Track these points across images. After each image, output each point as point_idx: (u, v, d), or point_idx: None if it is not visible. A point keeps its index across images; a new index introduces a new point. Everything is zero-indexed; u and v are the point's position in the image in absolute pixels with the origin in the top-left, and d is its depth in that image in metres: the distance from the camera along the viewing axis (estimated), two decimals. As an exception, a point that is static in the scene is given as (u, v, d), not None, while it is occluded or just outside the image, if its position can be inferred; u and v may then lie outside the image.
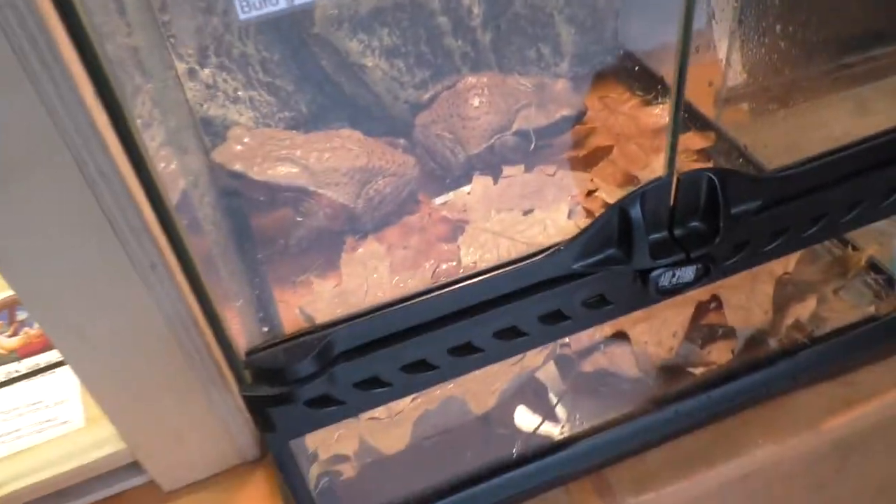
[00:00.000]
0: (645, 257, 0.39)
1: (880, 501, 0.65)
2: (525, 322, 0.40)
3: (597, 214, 0.66)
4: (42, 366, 0.56)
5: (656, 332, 0.53)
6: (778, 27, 0.68)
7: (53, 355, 0.57)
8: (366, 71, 0.72)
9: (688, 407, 0.52)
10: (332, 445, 0.49)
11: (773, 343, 0.54)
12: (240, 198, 0.67)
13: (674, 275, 0.40)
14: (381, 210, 0.68)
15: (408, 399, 0.48)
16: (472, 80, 0.73)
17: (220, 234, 0.66)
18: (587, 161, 0.73)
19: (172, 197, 0.61)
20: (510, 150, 0.72)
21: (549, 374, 0.53)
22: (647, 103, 0.80)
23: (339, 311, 0.61)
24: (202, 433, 0.51)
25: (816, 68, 0.72)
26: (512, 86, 0.74)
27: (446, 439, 0.50)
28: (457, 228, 0.67)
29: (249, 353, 0.36)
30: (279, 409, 0.37)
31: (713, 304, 0.56)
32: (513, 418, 0.52)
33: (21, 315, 0.59)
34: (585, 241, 0.39)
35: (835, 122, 0.72)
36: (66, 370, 0.56)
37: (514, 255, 0.63)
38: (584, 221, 0.65)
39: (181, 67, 0.67)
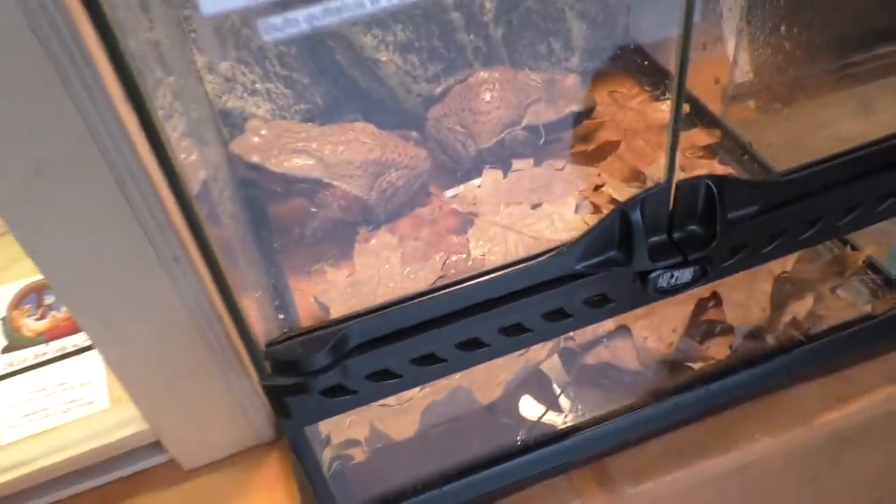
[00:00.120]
0: (644, 259, 0.41)
1: (873, 494, 0.67)
2: (529, 319, 0.42)
3: (603, 209, 0.68)
4: (69, 348, 0.58)
5: (657, 327, 0.55)
6: (783, 27, 0.69)
7: (79, 338, 0.59)
8: (380, 65, 0.74)
9: (686, 400, 0.54)
10: (344, 430, 0.51)
11: (770, 340, 0.56)
12: (257, 188, 0.70)
13: (672, 276, 0.42)
14: (394, 202, 0.70)
15: (417, 389, 0.51)
16: (483, 74, 0.75)
17: (239, 224, 0.68)
18: (595, 156, 0.75)
19: (193, 187, 0.63)
20: (520, 145, 0.74)
21: (553, 366, 0.55)
22: (655, 98, 0.81)
23: (352, 301, 0.64)
24: (221, 416, 0.54)
25: (821, 67, 0.74)
26: (522, 81, 0.76)
27: (453, 427, 0.52)
28: (467, 221, 0.69)
29: (269, 345, 0.38)
30: (296, 397, 0.39)
31: (713, 301, 0.57)
32: (518, 408, 0.54)
33: (48, 299, 0.61)
34: (588, 243, 0.41)
35: (839, 120, 0.73)
36: (91, 353, 0.58)
37: (521, 249, 0.66)
38: (590, 216, 0.67)
39: (201, 61, 0.69)
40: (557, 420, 0.54)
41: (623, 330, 0.56)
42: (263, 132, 0.69)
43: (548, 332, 0.43)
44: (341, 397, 0.40)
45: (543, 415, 0.54)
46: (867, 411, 0.57)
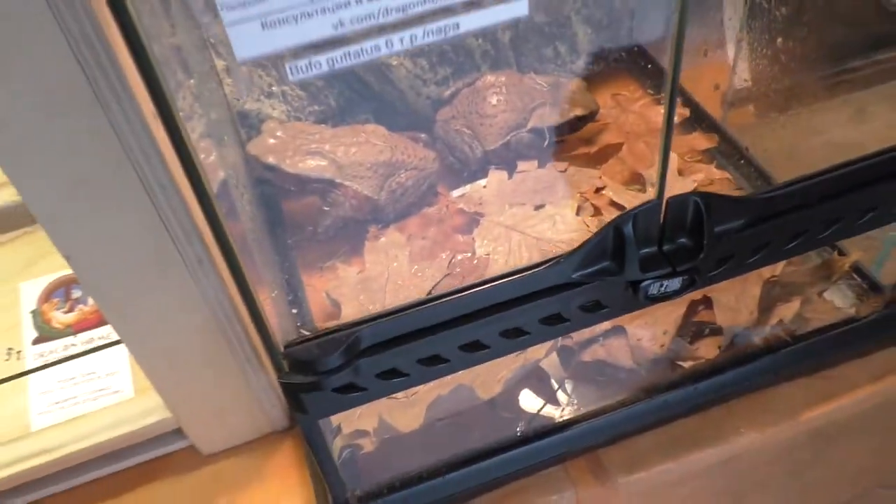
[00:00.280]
0: (635, 270, 0.44)
1: (855, 487, 0.70)
2: (528, 323, 0.45)
3: (603, 211, 0.71)
4: (95, 339, 0.62)
5: (650, 328, 0.58)
6: (781, 37, 0.72)
7: (105, 330, 0.63)
8: (391, 69, 0.77)
9: (677, 396, 0.58)
10: (354, 422, 0.54)
11: (757, 340, 0.59)
12: (272, 187, 0.73)
13: (662, 285, 0.45)
14: (403, 202, 0.73)
15: (422, 385, 0.54)
16: (490, 78, 0.78)
17: (255, 221, 0.72)
18: (597, 158, 0.78)
19: (212, 186, 0.67)
20: (525, 147, 0.77)
21: (551, 363, 0.58)
22: (657, 102, 0.84)
23: (362, 297, 0.67)
24: (238, 406, 0.57)
25: (818, 74, 0.76)
26: (528, 85, 0.78)
27: (456, 420, 0.55)
28: (472, 221, 0.72)
29: (287, 346, 0.41)
30: (311, 394, 0.42)
31: (704, 304, 0.60)
32: (517, 402, 0.57)
33: (76, 293, 0.65)
34: (583, 254, 0.44)
35: (834, 127, 0.76)
36: (117, 346, 0.62)
37: (524, 249, 0.69)
38: (590, 218, 0.70)
39: (220, 64, 0.72)
40: (555, 413, 0.58)
41: (619, 329, 0.59)
42: (279, 134, 0.72)
43: (545, 334, 0.46)
44: (353, 394, 0.43)
45: (542, 408, 0.58)
46: (850, 408, 0.60)
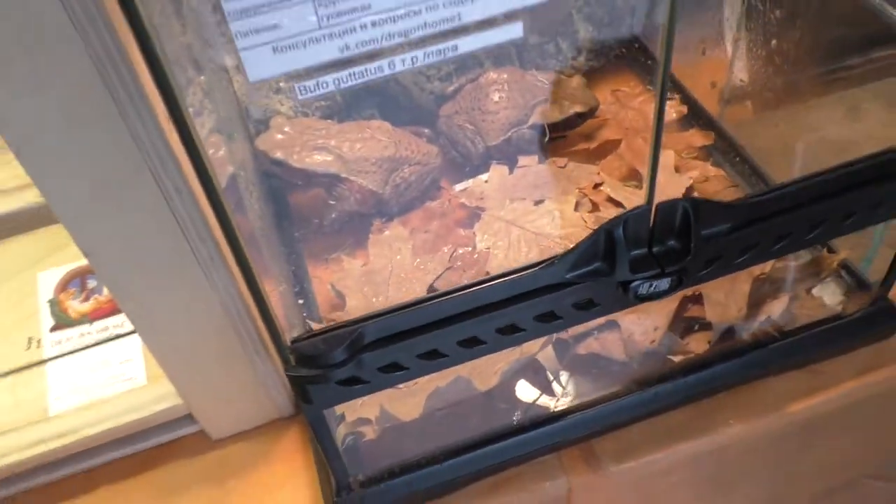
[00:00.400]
0: (625, 271, 0.46)
1: (840, 477, 0.73)
2: (523, 320, 0.47)
3: (601, 207, 0.74)
4: (110, 328, 0.65)
5: (643, 322, 0.61)
6: (777, 36, 0.73)
7: (119, 319, 0.65)
8: (396, 65, 0.79)
9: (667, 389, 0.60)
10: (357, 410, 0.57)
11: (746, 336, 0.61)
12: (280, 181, 0.75)
13: (651, 284, 0.48)
14: (406, 196, 0.75)
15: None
16: (493, 75, 0.80)
17: (263, 214, 0.74)
18: (597, 154, 0.79)
19: (222, 181, 0.69)
20: (526, 143, 0.79)
21: (547, 355, 0.61)
22: (657, 99, 0.85)
23: (366, 289, 0.70)
24: (246, 393, 0.60)
25: (813, 72, 0.77)
26: (530, 81, 0.80)
27: (455, 410, 0.58)
28: (474, 215, 0.75)
29: (294, 341, 0.44)
30: (316, 386, 0.45)
31: (695, 300, 0.63)
32: (513, 393, 0.60)
33: (91, 283, 0.67)
34: (576, 256, 0.46)
35: (828, 125, 0.77)
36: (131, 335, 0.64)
37: (523, 243, 0.71)
38: (588, 214, 0.72)
39: (230, 62, 0.74)
40: (549, 404, 0.60)
41: (612, 324, 0.62)
42: (287, 129, 0.74)
43: (539, 331, 0.48)
44: (356, 386, 0.46)
45: (537, 399, 0.60)
46: (835, 402, 0.63)
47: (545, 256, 0.68)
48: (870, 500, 0.81)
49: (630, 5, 0.87)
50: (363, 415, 0.56)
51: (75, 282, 0.67)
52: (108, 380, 0.62)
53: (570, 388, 0.61)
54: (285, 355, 0.44)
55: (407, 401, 0.55)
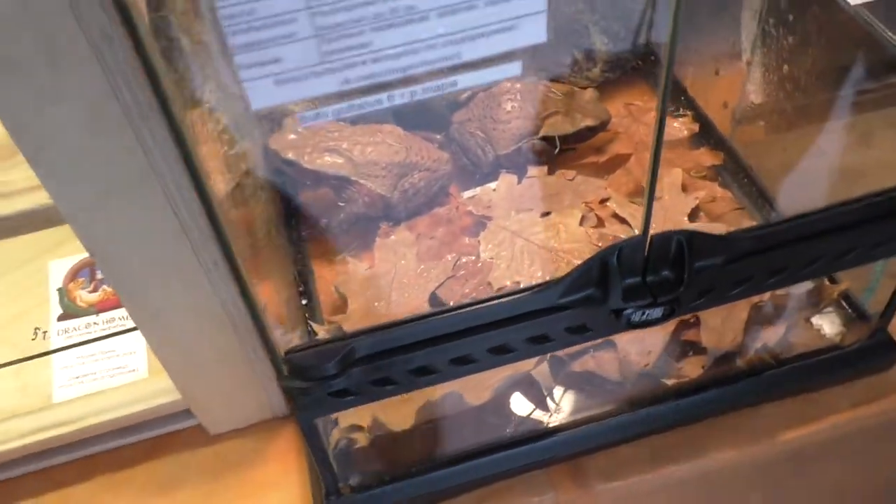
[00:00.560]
0: (618, 299, 0.47)
1: (831, 504, 0.73)
2: (515, 341, 0.48)
3: (606, 223, 0.74)
4: (116, 319, 0.66)
5: (639, 344, 0.61)
6: (789, 61, 0.73)
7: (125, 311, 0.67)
8: (411, 70, 0.79)
9: (659, 411, 0.61)
10: (350, 416, 0.58)
11: (741, 362, 0.62)
12: (290, 181, 0.76)
13: (644, 313, 0.48)
14: (414, 201, 0.76)
15: (415, 389, 0.57)
16: (506, 85, 0.80)
17: (273, 211, 0.75)
18: (606, 167, 0.80)
19: (234, 179, 0.70)
20: (536, 153, 0.79)
21: (542, 371, 0.61)
22: (669, 115, 0.85)
23: (369, 293, 0.70)
24: (244, 392, 0.61)
25: (827, 96, 0.77)
26: (543, 93, 0.80)
27: (446, 422, 0.59)
28: (480, 223, 0.75)
29: (288, 352, 0.45)
30: (307, 397, 0.46)
31: (692, 324, 0.63)
32: (506, 407, 0.61)
33: (100, 274, 0.68)
34: (570, 281, 0.47)
35: (839, 150, 0.77)
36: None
37: (526, 256, 0.72)
38: (592, 230, 0.73)
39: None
40: (542, 420, 0.61)
41: (609, 343, 0.62)
42: (299, 130, 0.75)
43: (531, 352, 0.49)
44: (346, 398, 0.47)
45: (529, 414, 0.61)
46: (829, 432, 0.63)
47: (546, 270, 0.70)
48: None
49: (648, 18, 0.87)
50: (356, 421, 0.57)
51: (84, 271, 0.68)
52: (111, 370, 0.63)
53: (563, 404, 0.62)
54: (279, 365, 0.45)
55: (399, 411, 0.56)
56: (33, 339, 0.63)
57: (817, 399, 0.63)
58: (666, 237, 0.46)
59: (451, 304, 0.69)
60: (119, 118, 0.40)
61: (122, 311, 0.67)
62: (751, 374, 0.62)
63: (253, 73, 0.31)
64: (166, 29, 0.40)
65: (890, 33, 0.62)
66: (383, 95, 0.35)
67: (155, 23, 0.37)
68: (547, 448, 0.60)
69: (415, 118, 0.82)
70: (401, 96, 0.35)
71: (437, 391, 0.57)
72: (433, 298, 0.69)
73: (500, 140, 0.79)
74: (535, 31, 0.34)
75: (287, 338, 0.67)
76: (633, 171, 0.79)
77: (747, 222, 0.73)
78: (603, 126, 0.80)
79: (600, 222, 0.74)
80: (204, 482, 0.62)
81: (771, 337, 0.62)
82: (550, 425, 0.61)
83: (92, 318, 0.66)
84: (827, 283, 0.66)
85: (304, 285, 0.73)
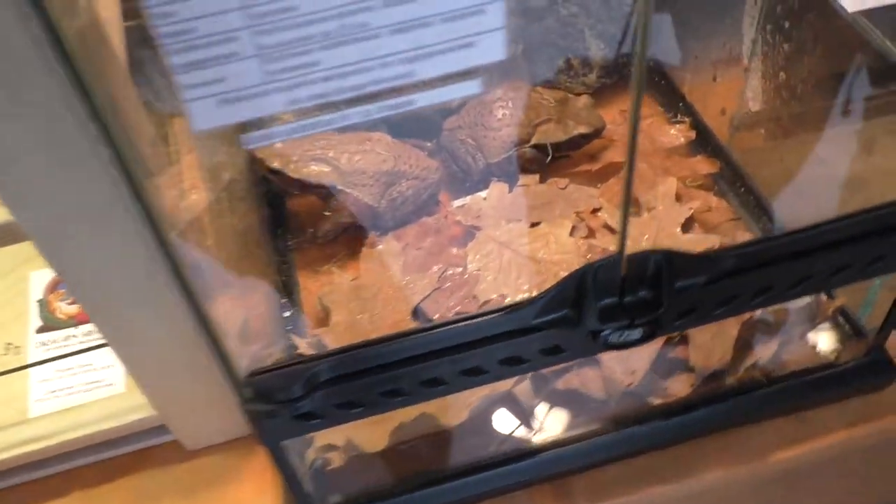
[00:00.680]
0: (594, 320, 0.45)
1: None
2: (488, 363, 0.46)
3: (597, 234, 0.72)
4: (94, 332, 0.65)
5: (624, 361, 0.59)
6: (787, 68, 0.71)
7: (103, 324, 0.66)
8: (400, 76, 0.78)
9: (646, 431, 0.59)
10: (325, 435, 0.56)
11: (731, 380, 0.60)
12: (276, 190, 0.75)
13: (621, 334, 0.46)
14: (402, 210, 0.75)
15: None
16: (498, 91, 0.78)
17: (257, 220, 0.74)
18: (599, 176, 0.78)
19: (219, 185, 0.69)
20: (528, 162, 0.77)
21: (524, 389, 0.60)
22: (667, 121, 0.83)
23: (353, 305, 0.69)
24: (219, 409, 0.60)
25: (826, 103, 0.75)
26: (535, 100, 0.79)
27: (422, 442, 0.57)
28: (469, 234, 0.74)
29: (250, 375, 0.43)
30: (271, 420, 0.44)
31: (680, 341, 0.61)
32: (486, 427, 0.59)
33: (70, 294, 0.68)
34: (544, 302, 0.45)
35: (841, 159, 0.75)
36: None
37: (514, 268, 0.70)
38: (583, 241, 0.71)
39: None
40: (524, 439, 0.59)
41: (594, 360, 0.60)
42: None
43: (505, 373, 0.47)
44: (312, 421, 0.45)
45: (511, 433, 0.59)
46: (822, 452, 0.61)
47: (533, 282, 0.68)
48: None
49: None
50: (331, 441, 0.56)
51: (64, 284, 0.67)
52: (88, 384, 0.62)
53: (546, 423, 0.60)
54: (240, 389, 0.44)
55: (372, 432, 0.55)
56: (4, 355, 0.63)
57: (810, 418, 0.61)
58: (643, 257, 0.44)
59: (436, 317, 0.67)
60: (79, 140, 0.39)
61: (102, 324, 0.66)
62: (741, 393, 0.60)
63: (195, 93, 0.30)
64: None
65: (888, 41, 0.59)
66: (336, 115, 0.33)
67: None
68: (530, 468, 0.58)
69: (407, 125, 0.81)
70: (356, 115, 0.33)
71: (411, 412, 0.55)
72: (418, 311, 0.67)
73: (490, 148, 0.77)
74: (493, 49, 0.32)
75: (267, 352, 0.66)
76: (627, 180, 0.76)
77: (743, 233, 0.71)
78: (597, 133, 0.79)
79: (591, 233, 0.72)
80: (180, 499, 0.61)
81: (763, 354, 0.60)
82: (533, 444, 0.59)
83: (71, 331, 0.65)
84: (823, 298, 0.64)
85: (288, 296, 0.72)
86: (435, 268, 0.71)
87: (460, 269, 0.70)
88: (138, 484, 0.62)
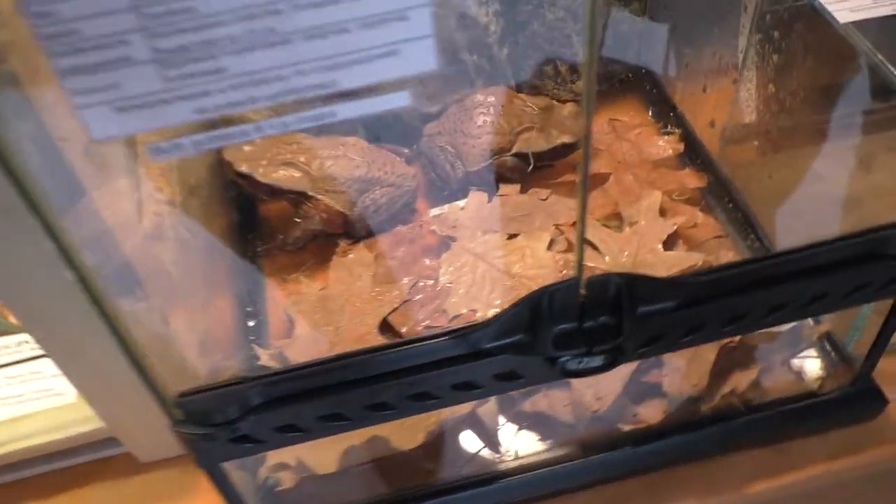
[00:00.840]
0: (548, 347, 0.42)
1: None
2: (439, 388, 0.44)
3: (574, 247, 0.69)
4: (47, 338, 0.63)
5: (594, 385, 0.56)
6: (776, 81, 0.68)
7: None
8: (379, 79, 0.75)
9: (616, 458, 0.56)
10: (277, 453, 0.54)
11: (706, 408, 0.57)
12: (244, 194, 0.72)
13: (580, 361, 0.44)
14: (376, 219, 0.72)
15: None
16: (479, 97, 0.76)
17: (223, 226, 0.71)
18: (583, 187, 0.75)
19: (184, 189, 0.66)
20: (508, 170, 0.75)
21: (489, 410, 0.57)
22: (656, 132, 0.80)
23: (318, 316, 0.66)
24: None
25: (821, 118, 0.72)
26: (518, 106, 0.76)
27: (379, 465, 0.55)
28: (443, 244, 0.71)
29: (181, 395, 0.41)
30: (205, 443, 0.42)
31: (653, 364, 0.58)
32: (446, 449, 0.56)
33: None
34: (498, 325, 0.42)
35: (837, 174, 0.72)
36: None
37: (487, 281, 0.67)
38: (560, 255, 0.68)
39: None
40: (488, 463, 0.56)
41: (564, 382, 0.58)
42: (256, 141, 0.71)
43: (457, 399, 0.45)
44: (249, 444, 0.43)
45: (474, 457, 0.56)
46: (801, 485, 0.58)
47: (506, 297, 0.65)
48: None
49: (637, 30, 0.82)
50: (282, 460, 0.54)
51: None
52: (37, 392, 0.60)
53: (512, 447, 0.57)
54: (169, 408, 0.41)
55: (323, 454, 0.52)
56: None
57: (790, 449, 0.58)
58: (604, 280, 0.41)
59: (404, 330, 0.65)
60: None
61: (57, 329, 0.63)
62: (718, 421, 0.57)
63: (87, 99, 0.28)
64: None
65: (880, 55, 0.56)
66: (249, 126, 0.31)
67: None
68: (494, 493, 0.55)
69: (386, 130, 0.78)
70: (271, 127, 0.31)
71: (363, 434, 0.53)
72: (385, 324, 0.65)
73: (469, 156, 0.74)
74: (421, 59, 0.30)
75: (226, 364, 0.64)
76: (611, 192, 0.74)
77: (727, 252, 0.68)
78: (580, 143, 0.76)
79: (570, 247, 0.69)
80: (130, 514, 0.59)
81: (742, 381, 0.57)
82: (498, 469, 0.56)
83: (24, 336, 0.63)
84: (809, 322, 0.61)
85: (253, 305, 0.69)
86: (406, 279, 0.68)
87: (432, 281, 0.68)
88: (90, 496, 0.60)
